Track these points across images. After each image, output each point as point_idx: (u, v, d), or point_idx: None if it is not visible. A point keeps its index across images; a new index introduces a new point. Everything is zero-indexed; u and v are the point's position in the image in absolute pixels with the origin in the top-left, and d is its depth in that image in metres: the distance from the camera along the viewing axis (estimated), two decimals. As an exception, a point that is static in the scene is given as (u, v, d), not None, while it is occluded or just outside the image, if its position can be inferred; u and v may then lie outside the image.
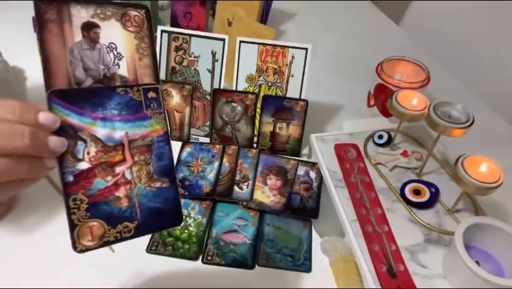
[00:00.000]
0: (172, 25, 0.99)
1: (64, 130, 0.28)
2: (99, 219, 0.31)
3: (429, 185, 0.58)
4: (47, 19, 0.28)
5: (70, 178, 0.30)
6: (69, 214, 0.31)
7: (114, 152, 0.30)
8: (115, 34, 0.30)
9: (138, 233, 0.32)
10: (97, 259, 0.55)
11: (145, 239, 0.58)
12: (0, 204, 0.58)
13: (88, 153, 0.30)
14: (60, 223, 0.60)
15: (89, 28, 0.29)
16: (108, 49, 0.30)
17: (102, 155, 0.30)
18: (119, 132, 0.31)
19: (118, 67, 0.31)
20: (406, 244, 0.52)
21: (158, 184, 0.32)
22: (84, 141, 0.30)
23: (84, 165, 0.30)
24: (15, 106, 0.26)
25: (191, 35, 0.70)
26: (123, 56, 0.31)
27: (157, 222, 0.32)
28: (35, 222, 0.59)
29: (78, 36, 0.29)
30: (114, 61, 0.31)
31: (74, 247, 0.31)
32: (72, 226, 0.31)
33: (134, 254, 0.56)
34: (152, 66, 0.32)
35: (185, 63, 0.71)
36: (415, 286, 0.48)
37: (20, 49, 0.89)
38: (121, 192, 0.31)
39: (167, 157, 0.33)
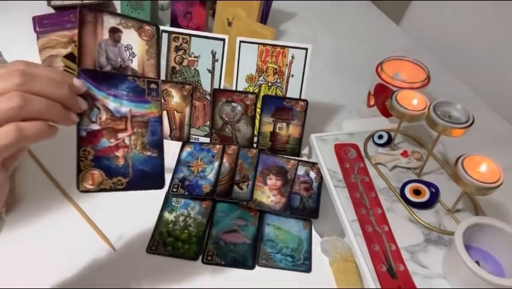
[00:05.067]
0: (172, 25, 0.99)
1: (85, 97, 0.37)
2: (100, 169, 0.39)
3: (429, 185, 0.58)
4: (86, 20, 0.38)
5: (84, 134, 0.38)
6: (78, 161, 0.38)
7: (119, 121, 0.40)
8: (132, 39, 0.41)
9: (128, 187, 0.40)
10: (97, 258, 0.55)
11: (145, 239, 0.58)
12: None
13: (100, 118, 0.39)
14: (59, 223, 0.60)
15: (114, 31, 0.40)
16: (126, 48, 0.41)
17: (109, 121, 0.39)
18: (125, 107, 0.40)
19: (131, 62, 0.41)
20: (406, 244, 0.52)
21: (148, 153, 0.41)
22: (98, 108, 0.39)
23: (95, 126, 0.38)
24: (58, 70, 0.37)
25: (191, 35, 0.70)
26: (135, 55, 0.41)
27: (144, 182, 0.41)
28: (34, 222, 0.59)
29: (106, 35, 0.40)
30: (129, 57, 0.41)
31: (78, 187, 0.38)
32: (79, 170, 0.38)
33: (134, 254, 0.56)
34: (156, 66, 0.42)
35: (185, 63, 0.71)
36: (415, 286, 0.48)
37: (20, 49, 0.90)
38: (120, 153, 0.40)
39: (158, 134, 0.42)
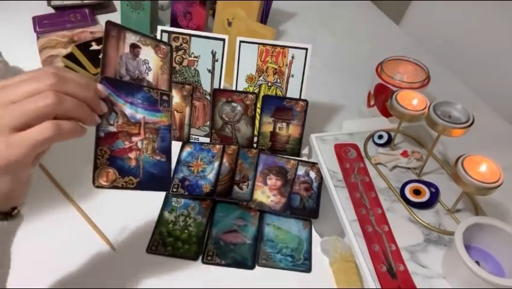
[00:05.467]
0: (172, 25, 0.99)
1: (106, 102, 0.41)
2: (114, 168, 0.42)
3: (429, 185, 0.58)
4: (111, 34, 0.42)
5: (102, 134, 0.41)
6: (95, 159, 0.41)
7: (134, 126, 0.43)
8: (149, 55, 0.45)
9: (138, 187, 0.43)
10: (97, 258, 0.55)
11: (145, 239, 0.58)
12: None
13: (117, 122, 0.42)
14: (59, 223, 0.60)
15: (134, 47, 0.44)
16: (143, 62, 0.45)
17: (125, 126, 0.43)
18: (140, 114, 0.44)
19: (147, 75, 0.45)
20: (406, 244, 0.52)
21: (158, 157, 0.45)
22: (116, 113, 0.42)
23: (112, 129, 0.42)
24: (83, 75, 0.39)
25: (191, 35, 0.70)
26: (151, 69, 0.46)
27: (152, 184, 0.44)
28: (35, 222, 0.59)
29: (127, 49, 0.44)
30: (146, 71, 0.45)
31: (93, 183, 0.41)
32: (95, 167, 0.41)
33: (134, 254, 0.56)
34: (168, 80, 0.47)
35: (185, 63, 0.71)
36: (415, 286, 0.48)
37: (20, 49, 0.90)
38: (132, 155, 0.43)
39: (168, 141, 0.46)
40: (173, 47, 0.47)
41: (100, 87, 0.40)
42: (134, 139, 0.43)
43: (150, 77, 0.45)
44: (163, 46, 0.46)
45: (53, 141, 0.34)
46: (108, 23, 0.42)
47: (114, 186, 0.42)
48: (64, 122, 0.35)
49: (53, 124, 0.34)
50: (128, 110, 0.43)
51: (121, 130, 0.42)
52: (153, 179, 0.44)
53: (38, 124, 0.34)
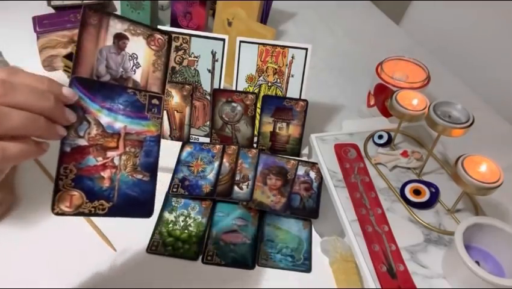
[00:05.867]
0: (172, 25, 0.99)
1: (75, 108, 0.34)
2: (80, 190, 0.35)
3: (429, 185, 0.58)
4: (89, 22, 0.35)
5: (68, 149, 0.34)
6: (56, 179, 0.34)
7: (111, 138, 0.35)
8: (139, 47, 0.37)
9: (110, 213, 0.36)
10: (97, 259, 0.55)
11: (145, 239, 0.58)
12: (0, 204, 0.58)
13: (89, 133, 0.35)
14: (59, 223, 0.60)
15: (120, 38, 0.36)
16: (130, 57, 0.37)
17: (99, 138, 0.35)
18: (119, 123, 0.36)
19: (134, 73, 0.37)
20: (406, 244, 0.52)
21: (139, 176, 0.37)
22: (88, 122, 0.35)
23: (82, 142, 0.34)
24: (44, 78, 0.32)
25: (191, 35, 0.70)
26: (140, 66, 0.37)
27: (130, 209, 0.36)
28: (35, 222, 0.59)
29: (109, 41, 0.36)
30: (133, 67, 0.37)
31: (52, 209, 0.34)
32: (56, 190, 0.34)
33: (134, 254, 0.56)
34: (162, 80, 0.38)
35: (185, 63, 0.71)
36: (415, 286, 0.48)
37: (20, 49, 0.90)
38: (106, 174, 0.35)
39: (154, 156, 0.38)
40: (172, 37, 0.39)
41: (66, 90, 0.33)
42: (110, 154, 0.35)
43: (137, 76, 0.37)
44: (159, 36, 0.38)
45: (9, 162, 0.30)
46: (86, 8, 0.34)
47: (78, 213, 0.35)
48: (9, 145, 0.30)
49: None
50: (105, 118, 0.35)
51: (94, 144, 0.35)
52: (131, 202, 0.36)
53: None
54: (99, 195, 0.35)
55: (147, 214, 0.37)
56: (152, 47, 0.38)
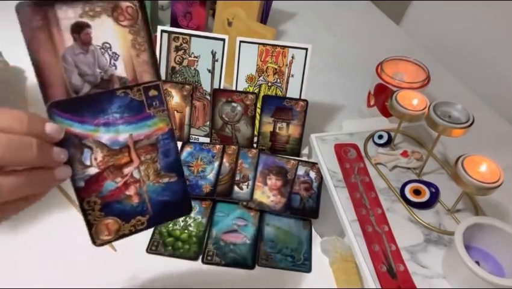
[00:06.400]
0: (172, 25, 0.99)
1: (69, 140, 0.29)
2: (113, 216, 0.32)
3: (429, 185, 0.58)
4: (33, 27, 0.26)
5: (82, 184, 0.30)
6: (85, 215, 0.32)
7: (121, 154, 0.31)
8: (108, 31, 0.28)
9: (151, 224, 0.34)
10: (97, 259, 0.55)
11: (145, 239, 0.58)
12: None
13: (96, 158, 0.30)
14: (59, 223, 0.60)
15: (79, 29, 0.28)
16: (102, 50, 0.29)
17: (108, 158, 0.31)
18: (123, 134, 0.31)
19: (116, 68, 0.30)
20: (406, 244, 0.52)
21: (165, 180, 0.33)
22: (90, 148, 0.30)
23: (92, 171, 0.30)
24: (22, 117, 0.26)
25: (191, 35, 0.70)
26: (119, 56, 0.30)
27: (168, 213, 0.34)
28: (34, 222, 0.59)
29: (69, 40, 0.28)
30: (110, 61, 0.29)
31: (94, 242, 0.32)
32: (89, 225, 0.32)
33: (134, 254, 0.56)
34: (151, 62, 0.31)
35: (185, 63, 0.71)
36: (415, 286, 0.48)
37: (20, 48, 0.89)
38: (131, 191, 0.32)
39: (173, 153, 0.33)
40: (143, 1, 0.29)
41: (49, 128, 0.27)
42: (127, 170, 0.31)
43: (121, 70, 0.30)
44: (126, 3, 0.28)
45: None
46: (21, 8, 0.26)
47: (120, 237, 0.33)
48: (5, 208, 0.27)
49: None
50: (105, 136, 0.30)
51: (106, 167, 0.31)
52: (167, 207, 0.34)
53: None
54: (133, 213, 0.33)
55: (187, 211, 0.36)
56: (123, 22, 0.29)
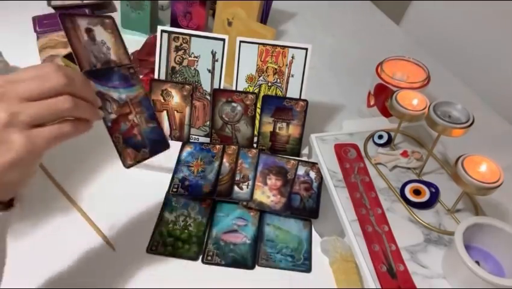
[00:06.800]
0: (172, 25, 0.99)
1: (99, 94, 0.44)
2: (130, 147, 0.46)
3: (429, 185, 0.58)
4: (69, 27, 0.43)
5: (109, 124, 0.45)
6: (116, 146, 0.45)
7: (125, 107, 0.47)
8: (102, 34, 0.47)
9: (151, 155, 0.48)
10: (97, 259, 0.55)
11: (145, 239, 0.58)
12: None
13: (113, 108, 0.45)
14: (59, 223, 0.60)
15: (88, 31, 0.45)
16: (102, 44, 0.47)
17: (119, 109, 0.46)
18: (123, 94, 0.47)
19: (110, 55, 0.47)
20: (406, 244, 0.52)
21: (150, 125, 0.49)
22: (109, 101, 0.45)
23: (113, 116, 0.45)
24: (79, 73, 0.42)
25: (191, 35, 0.70)
26: (110, 48, 0.47)
27: (157, 147, 0.49)
28: (35, 222, 0.59)
29: (85, 37, 0.45)
30: (107, 51, 0.47)
31: (124, 165, 0.45)
32: (119, 153, 0.45)
33: (134, 254, 0.56)
34: (126, 53, 0.49)
35: (185, 63, 0.71)
36: (415, 286, 0.48)
37: (20, 49, 0.90)
38: (136, 131, 0.47)
39: (150, 108, 0.50)
40: (113, 18, 0.48)
41: (92, 83, 0.43)
42: (130, 117, 0.47)
43: (113, 56, 0.47)
44: (107, 20, 0.47)
45: (69, 138, 0.38)
46: (61, 16, 0.43)
47: (138, 161, 0.47)
48: (79, 123, 0.38)
49: (71, 125, 0.38)
50: (115, 94, 0.46)
51: (120, 114, 0.46)
52: (156, 143, 0.49)
53: (53, 122, 0.37)
54: (140, 146, 0.47)
55: (167, 146, 0.50)
56: (108, 30, 0.47)
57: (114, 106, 0.46)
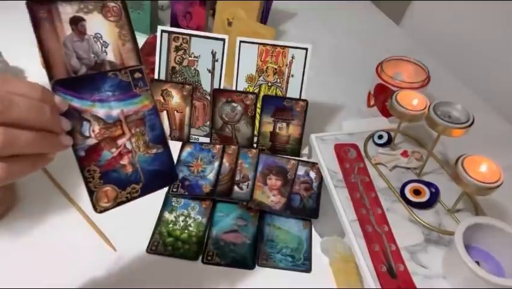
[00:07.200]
0: (172, 25, 0.99)
1: (70, 113, 0.33)
2: (111, 184, 0.36)
3: (429, 185, 0.58)
4: (40, 18, 0.32)
5: (82, 153, 0.35)
6: (86, 183, 0.35)
7: (114, 127, 0.36)
8: (99, 24, 0.35)
9: (144, 192, 0.38)
10: (97, 258, 0.55)
11: (145, 239, 0.58)
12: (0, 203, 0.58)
13: (93, 130, 0.35)
14: (59, 223, 0.60)
15: (76, 22, 0.34)
16: (95, 39, 0.35)
17: (104, 131, 0.35)
18: (115, 110, 0.36)
19: (106, 54, 0.36)
20: (406, 244, 0.52)
21: (154, 150, 0.38)
22: (88, 121, 0.35)
23: (91, 141, 0.35)
24: (37, 87, 0.31)
25: (191, 35, 0.70)
26: (108, 44, 0.36)
27: (158, 182, 0.39)
28: (35, 222, 0.59)
29: (68, 30, 0.34)
30: (102, 48, 0.36)
31: (95, 209, 0.36)
32: (90, 192, 0.36)
33: (134, 254, 0.56)
34: (135, 49, 0.37)
35: (185, 63, 0.71)
36: (415, 286, 0.48)
37: (20, 49, 0.89)
38: (125, 160, 0.37)
39: (158, 127, 0.38)
40: (125, 1, 0.36)
41: (57, 99, 0.32)
42: (120, 142, 0.36)
43: (110, 56, 0.36)
44: (112, 3, 0.35)
45: (2, 183, 0.29)
46: (29, 3, 0.32)
47: (118, 204, 0.37)
48: (17, 162, 0.29)
49: (2, 168, 0.28)
50: (100, 111, 0.35)
51: (103, 138, 0.35)
52: (157, 176, 0.38)
53: None
54: (128, 181, 0.37)
55: (173, 179, 0.40)
56: (110, 18, 0.36)
57: (95, 127, 0.35)
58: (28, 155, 0.30)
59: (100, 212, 0.36)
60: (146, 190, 0.38)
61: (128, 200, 0.37)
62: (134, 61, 0.37)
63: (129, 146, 0.37)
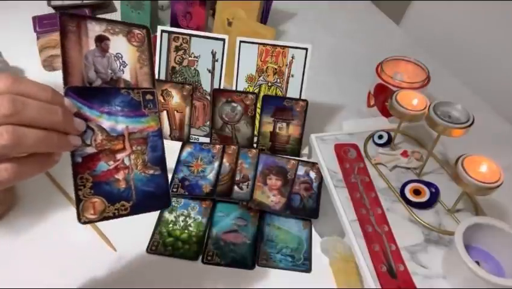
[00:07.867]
0: (172, 25, 0.99)
1: (81, 118, 0.35)
2: (100, 196, 0.36)
3: (429, 185, 0.58)
4: (68, 30, 0.35)
5: (79, 159, 0.35)
6: (76, 190, 0.35)
7: (116, 141, 0.37)
8: (122, 46, 0.37)
9: (132, 211, 0.37)
10: (97, 258, 0.55)
11: (145, 239, 0.58)
12: (0, 203, 0.58)
13: (95, 140, 0.36)
14: (59, 223, 0.60)
15: (101, 40, 0.36)
16: (116, 58, 0.37)
17: (106, 142, 0.36)
18: (121, 125, 0.37)
19: (123, 73, 0.38)
20: (406, 244, 0.52)
21: (151, 171, 0.38)
22: (92, 130, 0.35)
23: (90, 150, 0.35)
24: (47, 88, 0.31)
25: (191, 35, 0.70)
26: (127, 64, 0.38)
27: (149, 204, 0.38)
28: (35, 222, 0.59)
29: (92, 45, 0.36)
30: (120, 67, 0.38)
31: (79, 219, 0.35)
32: (78, 200, 0.35)
33: (134, 254, 0.56)
34: (150, 74, 0.39)
35: (185, 63, 0.71)
36: (415, 286, 0.48)
37: (20, 49, 0.90)
38: (120, 176, 0.37)
39: (160, 149, 0.39)
40: (150, 30, 0.39)
41: (66, 101, 0.33)
42: (119, 156, 0.37)
43: (127, 75, 0.38)
44: (137, 31, 0.38)
45: (10, 184, 0.30)
46: (63, 15, 0.34)
47: (104, 218, 0.36)
48: (25, 163, 0.30)
49: (11, 168, 0.29)
50: (106, 122, 0.36)
51: (102, 149, 0.36)
52: (149, 198, 0.38)
53: None
54: (119, 197, 0.37)
55: (166, 205, 0.39)
56: (133, 43, 0.38)
57: (97, 137, 0.35)
58: (36, 156, 0.31)
59: (84, 223, 0.35)
60: (136, 210, 0.37)
61: (115, 216, 0.37)
62: (148, 84, 0.39)
63: (127, 162, 0.37)
